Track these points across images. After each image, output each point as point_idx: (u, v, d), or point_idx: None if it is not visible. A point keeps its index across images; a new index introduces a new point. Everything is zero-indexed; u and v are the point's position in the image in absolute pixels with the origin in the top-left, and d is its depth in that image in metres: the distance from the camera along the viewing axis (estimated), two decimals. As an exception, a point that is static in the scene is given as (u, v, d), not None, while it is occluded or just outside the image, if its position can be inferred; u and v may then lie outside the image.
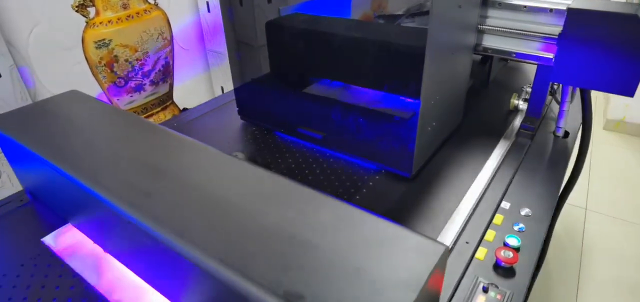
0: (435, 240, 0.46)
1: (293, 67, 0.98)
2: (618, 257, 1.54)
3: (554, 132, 1.00)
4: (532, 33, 0.93)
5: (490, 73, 1.32)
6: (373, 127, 0.86)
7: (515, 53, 0.97)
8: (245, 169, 0.61)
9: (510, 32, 0.96)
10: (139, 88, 1.31)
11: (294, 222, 0.49)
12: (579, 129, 1.02)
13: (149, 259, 0.59)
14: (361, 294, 0.40)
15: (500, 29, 0.96)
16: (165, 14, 1.31)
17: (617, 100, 2.24)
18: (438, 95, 0.84)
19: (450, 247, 0.68)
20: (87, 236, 0.74)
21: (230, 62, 1.11)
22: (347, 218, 0.49)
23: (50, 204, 0.82)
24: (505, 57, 1.13)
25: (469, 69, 1.00)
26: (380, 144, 0.86)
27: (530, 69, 1.41)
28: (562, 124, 0.99)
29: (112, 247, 0.69)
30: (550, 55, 0.91)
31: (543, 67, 0.94)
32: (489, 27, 0.98)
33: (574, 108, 1.06)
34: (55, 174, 0.66)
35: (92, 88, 1.24)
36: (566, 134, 0.99)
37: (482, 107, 1.16)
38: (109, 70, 1.22)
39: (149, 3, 1.26)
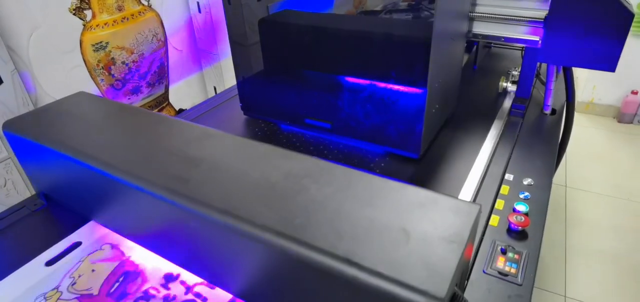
0: (469, 201, 0.51)
1: (291, 63, 1.01)
2: (600, 229, 1.66)
3: (542, 110, 1.08)
4: (519, 17, 1.00)
5: (476, 59, 1.40)
6: (382, 111, 0.90)
7: (504, 37, 1.04)
8: (274, 152, 0.64)
9: (498, 18, 1.02)
10: (136, 90, 1.30)
11: (335, 196, 0.52)
12: (563, 106, 1.11)
13: (191, 244, 0.61)
14: (412, 250, 0.44)
15: (490, 15, 1.03)
16: (158, 15, 1.31)
17: (585, 83, 2.39)
18: (440, 80, 0.89)
19: (465, 216, 0.74)
20: (115, 231, 0.74)
21: (233, 59, 1.12)
22: (384, 188, 0.53)
23: (69, 204, 0.81)
24: (491, 43, 1.20)
25: (462, 55, 1.06)
26: (388, 128, 0.91)
27: (512, 54, 1.50)
28: (549, 102, 1.07)
29: (147, 238, 0.70)
30: (537, 38, 0.99)
31: (530, 49, 1.02)
32: (478, 14, 1.04)
33: (556, 87, 1.15)
34: (83, 171, 0.67)
35: (91, 91, 1.22)
36: (553, 111, 1.07)
37: (472, 91, 1.23)
38: (107, 73, 1.21)
39: (143, 4, 1.26)
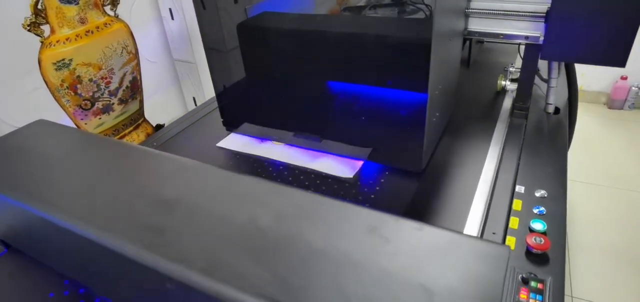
0: (496, 243, 0.43)
1: (276, 69, 0.92)
2: (601, 223, 1.63)
3: (544, 110, 1.02)
4: (518, 13, 0.93)
5: (469, 57, 1.33)
6: (379, 123, 0.83)
7: (503, 35, 0.97)
8: (260, 187, 0.55)
9: (496, 14, 0.96)
10: (107, 109, 1.19)
11: (338, 243, 0.44)
12: (565, 104, 1.05)
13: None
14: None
15: (487, 11, 0.96)
16: (127, 26, 1.20)
17: (573, 71, 2.36)
18: (440, 85, 0.82)
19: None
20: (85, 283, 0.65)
21: (210, 70, 1.03)
22: (396, 231, 0.45)
23: (31, 254, 0.71)
24: (489, 40, 1.14)
25: (459, 54, 0.99)
26: (386, 142, 0.83)
27: (507, 48, 1.44)
28: (551, 100, 1.01)
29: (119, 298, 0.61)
30: (539, 34, 0.92)
31: (531, 46, 0.95)
32: (474, 10, 0.97)
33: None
34: (42, 222, 0.57)
35: (55, 114, 1.11)
36: (557, 110, 1.01)
37: (468, 92, 1.17)
38: (72, 93, 1.10)
39: (109, 15, 1.15)
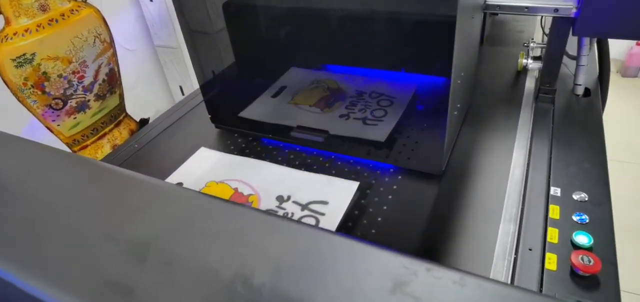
0: (562, 299, 0.33)
1: (268, 53, 0.79)
2: (624, 201, 1.53)
3: (573, 91, 0.90)
4: (546, -18, 0.80)
5: (484, 31, 1.20)
6: (390, 116, 0.71)
7: (527, 7, 0.84)
8: (253, 222, 0.45)
9: (520, -16, 0.83)
10: (82, 107, 1.07)
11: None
12: (596, 84, 0.93)
13: None
14: None
15: (510, -19, 0.83)
16: (98, 12, 1.06)
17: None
18: (463, 71, 0.70)
19: (513, 257, 0.57)
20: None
21: (191, 59, 0.91)
22: (430, 288, 0.35)
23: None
24: (513, 13, 1.01)
25: (479, 33, 0.87)
26: (400, 139, 0.72)
27: (523, 20, 1.31)
28: (581, 80, 0.89)
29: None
30: (570, 5, 0.80)
31: (561, 19, 0.83)
32: (494, -20, 0.84)
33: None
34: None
35: (21, 118, 1.00)
36: (587, 91, 0.90)
37: (485, 72, 1.05)
38: (39, 92, 0.97)
39: (75, 0, 1.01)
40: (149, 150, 0.96)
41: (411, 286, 0.35)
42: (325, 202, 0.68)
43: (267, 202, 0.70)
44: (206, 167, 0.80)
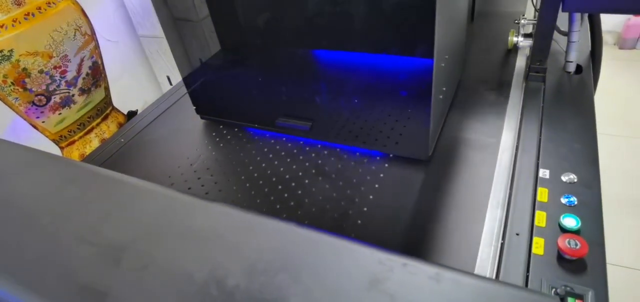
0: (543, 294, 0.32)
1: (252, 37, 0.77)
2: (615, 173, 1.53)
3: (564, 69, 0.88)
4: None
5: (474, 7, 1.17)
6: (375, 101, 0.70)
7: (516, -17, 0.82)
8: (228, 220, 0.44)
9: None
10: (66, 102, 1.05)
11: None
12: (588, 60, 0.91)
13: None
14: None
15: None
16: (77, 4, 1.03)
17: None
18: (447, 52, 0.68)
19: (500, 243, 0.56)
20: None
21: (171, 48, 0.89)
22: (405, 284, 0.34)
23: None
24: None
25: (466, 10, 0.84)
26: (385, 125, 0.71)
27: (513, -4, 1.28)
28: (572, 57, 0.87)
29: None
30: (561, -20, 0.77)
31: (551, -5, 0.80)
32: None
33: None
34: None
35: (3, 116, 0.98)
36: (578, 68, 0.88)
37: (474, 50, 1.03)
38: (20, 89, 0.95)
39: (54, -9, 0.98)
40: (136, 143, 0.94)
41: (387, 283, 0.34)
42: None
43: None
44: None
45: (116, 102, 1.21)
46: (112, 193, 0.51)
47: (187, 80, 0.90)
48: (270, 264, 0.38)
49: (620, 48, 2.16)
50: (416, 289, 0.33)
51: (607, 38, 2.21)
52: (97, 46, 1.08)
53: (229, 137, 0.88)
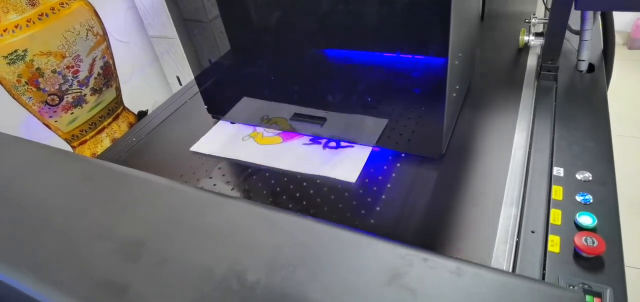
0: (565, 289, 0.32)
1: (264, 37, 0.78)
2: (626, 174, 1.51)
3: (576, 67, 0.88)
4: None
5: (484, 7, 1.17)
6: (391, 104, 0.70)
7: (528, -18, 0.81)
8: (247, 216, 0.44)
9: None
10: (79, 101, 1.06)
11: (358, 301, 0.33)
12: (601, 59, 0.91)
13: None
14: None
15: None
16: (89, 4, 1.04)
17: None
18: (461, 50, 0.68)
19: (515, 241, 0.56)
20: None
21: (184, 49, 0.90)
22: (425, 278, 0.34)
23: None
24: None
25: (478, 9, 0.84)
26: (399, 125, 0.71)
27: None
28: (585, 56, 0.86)
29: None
30: (573, -22, 0.76)
31: (563, -7, 0.80)
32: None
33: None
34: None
35: (17, 115, 0.99)
36: (591, 67, 0.87)
37: (485, 50, 1.02)
38: (34, 89, 0.96)
39: (66, -8, 0.99)
40: (147, 142, 0.95)
41: (407, 278, 0.34)
42: None
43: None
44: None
45: (127, 102, 1.22)
46: (129, 190, 0.52)
47: (199, 80, 0.91)
48: (290, 260, 0.38)
49: (630, 48, 2.14)
50: (437, 283, 0.33)
51: (616, 38, 2.20)
52: (108, 46, 1.09)
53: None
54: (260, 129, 0.87)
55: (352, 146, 0.77)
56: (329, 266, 0.36)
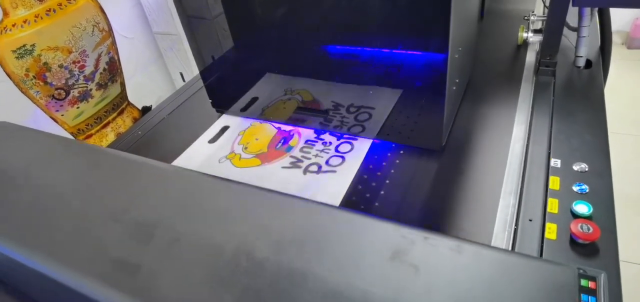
0: (561, 264, 0.34)
1: (264, 36, 0.79)
2: (624, 171, 1.53)
3: (574, 63, 0.89)
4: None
5: (484, 4, 1.19)
6: (387, 94, 0.71)
7: (527, -21, 0.83)
8: (254, 198, 0.46)
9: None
10: (85, 96, 1.08)
11: (358, 280, 0.35)
12: (598, 55, 0.92)
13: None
14: None
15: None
16: (95, 0, 1.06)
17: (588, 10, 2.19)
18: (461, 45, 0.70)
19: (513, 228, 0.58)
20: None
21: (190, 45, 0.91)
22: (428, 256, 0.36)
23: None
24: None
25: (478, 5, 0.86)
26: (400, 118, 0.72)
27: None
28: (582, 52, 0.88)
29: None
30: (571, -25, 0.78)
31: (561, -10, 0.81)
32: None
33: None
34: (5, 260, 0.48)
35: (25, 109, 1.01)
36: (588, 63, 0.89)
37: (485, 47, 1.04)
38: (41, 83, 0.98)
39: (73, -11, 1.01)
40: (152, 136, 0.97)
41: (409, 255, 0.36)
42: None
43: (307, 134, 0.81)
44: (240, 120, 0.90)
45: (131, 97, 1.24)
46: (139, 176, 0.53)
47: (204, 76, 0.92)
48: (297, 239, 0.40)
49: (629, 48, 2.16)
50: (438, 260, 0.35)
51: (615, 38, 2.21)
52: (113, 42, 1.11)
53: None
54: (238, 150, 0.81)
55: (335, 171, 0.72)
56: (334, 244, 0.38)
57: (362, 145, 0.76)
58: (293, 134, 0.83)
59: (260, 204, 0.45)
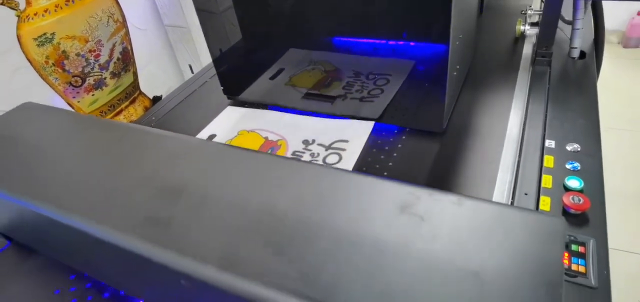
0: (549, 214, 0.38)
1: (275, 27, 0.83)
2: (617, 167, 1.58)
3: (569, 54, 0.94)
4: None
5: (482, 1, 1.23)
6: (392, 80, 0.76)
7: (524, -26, 0.88)
8: (275, 164, 0.50)
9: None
10: (99, 84, 1.12)
11: (370, 228, 0.39)
12: (591, 46, 0.97)
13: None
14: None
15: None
16: (111, -8, 1.11)
17: (586, 9, 2.24)
18: (461, 33, 0.74)
19: (510, 201, 0.62)
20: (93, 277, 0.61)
21: (204, 34, 0.95)
22: (435, 208, 0.40)
23: (34, 246, 0.67)
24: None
25: (476, 1, 0.90)
26: (404, 101, 0.77)
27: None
28: (577, 43, 0.92)
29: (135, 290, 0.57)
30: (566, -31, 0.83)
31: (556, -16, 0.86)
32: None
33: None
34: (36, 216, 0.52)
35: (44, 95, 1.04)
36: (582, 54, 0.94)
37: (485, 39, 1.08)
38: (60, 70, 1.02)
39: (90, -19, 1.05)
40: (164, 123, 1.01)
41: (415, 208, 0.40)
42: (345, 141, 0.77)
43: (295, 145, 0.79)
44: (235, 119, 0.90)
45: (142, 87, 1.28)
46: (165, 147, 0.58)
47: (217, 64, 0.96)
48: (313, 196, 0.44)
49: (625, 46, 2.21)
50: (442, 211, 0.40)
51: (611, 37, 2.26)
52: (127, 33, 1.15)
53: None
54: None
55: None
56: (348, 200, 0.43)
57: (354, 147, 0.76)
58: (280, 145, 0.81)
59: (279, 167, 0.49)
